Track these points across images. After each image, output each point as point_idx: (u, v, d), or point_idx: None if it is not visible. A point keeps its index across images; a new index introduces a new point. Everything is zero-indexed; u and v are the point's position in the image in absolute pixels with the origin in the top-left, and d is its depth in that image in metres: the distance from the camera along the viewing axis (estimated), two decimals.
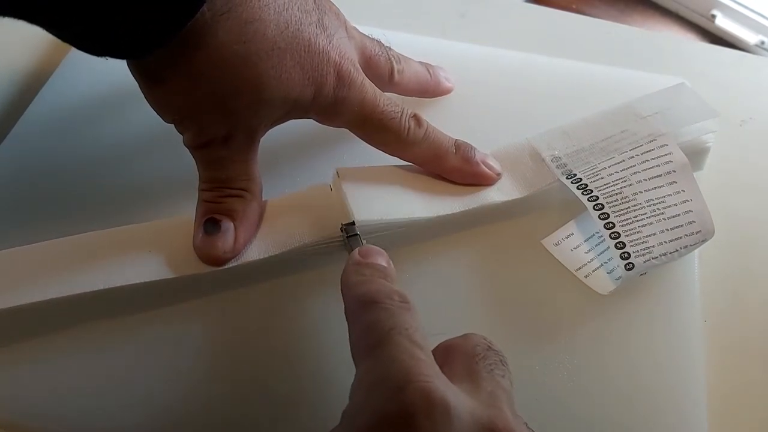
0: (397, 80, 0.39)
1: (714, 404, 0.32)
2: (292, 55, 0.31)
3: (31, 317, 0.32)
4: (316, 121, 0.35)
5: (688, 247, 0.34)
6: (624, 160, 0.36)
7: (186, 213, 0.33)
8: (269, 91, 0.31)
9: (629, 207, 0.35)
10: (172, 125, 0.32)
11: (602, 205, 0.35)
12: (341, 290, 0.28)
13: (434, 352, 0.26)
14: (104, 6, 0.26)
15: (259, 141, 0.33)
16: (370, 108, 0.33)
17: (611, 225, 0.34)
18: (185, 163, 0.33)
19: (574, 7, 0.64)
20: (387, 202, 0.34)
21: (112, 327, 0.33)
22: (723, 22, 0.61)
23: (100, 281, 0.31)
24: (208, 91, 0.30)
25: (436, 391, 0.22)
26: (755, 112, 0.45)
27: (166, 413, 0.30)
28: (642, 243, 0.34)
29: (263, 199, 0.34)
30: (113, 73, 0.34)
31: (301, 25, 0.31)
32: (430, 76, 0.41)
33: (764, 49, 0.59)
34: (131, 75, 0.31)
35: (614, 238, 0.34)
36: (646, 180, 0.35)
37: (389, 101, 0.34)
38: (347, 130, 0.35)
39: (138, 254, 0.32)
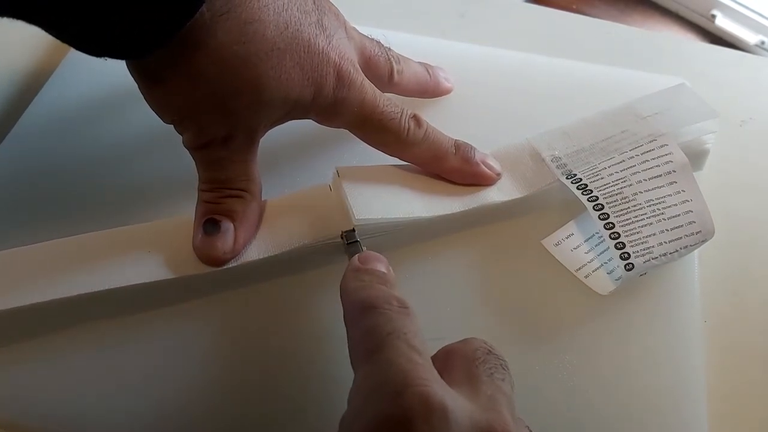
0: (397, 81, 0.39)
1: (714, 404, 0.32)
2: (291, 55, 0.31)
3: (31, 317, 0.32)
4: (316, 121, 0.35)
5: (688, 248, 0.34)
6: (624, 161, 0.36)
7: (186, 213, 0.33)
8: (269, 91, 0.31)
9: (629, 207, 0.35)
10: (172, 126, 0.32)
11: (602, 205, 0.35)
12: (340, 296, 0.28)
13: (434, 357, 0.26)
14: (102, 6, 0.26)
15: (258, 141, 0.33)
16: (369, 108, 0.33)
17: (611, 225, 0.34)
18: (185, 163, 0.33)
19: (574, 7, 0.64)
20: (387, 201, 0.34)
21: (112, 327, 0.33)
22: (723, 22, 0.61)
23: (100, 282, 0.31)
24: (208, 91, 0.30)
25: (434, 396, 0.22)
26: (755, 112, 0.45)
27: (167, 413, 0.30)
28: (642, 243, 0.34)
29: (263, 199, 0.34)
30: (113, 73, 0.34)
31: (300, 25, 0.31)
32: (430, 77, 0.41)
33: (764, 49, 0.59)
34: (131, 75, 0.31)
35: (614, 239, 0.34)
36: (646, 180, 0.35)
37: (389, 102, 0.34)
38: (347, 130, 0.35)
39: (138, 255, 0.32)
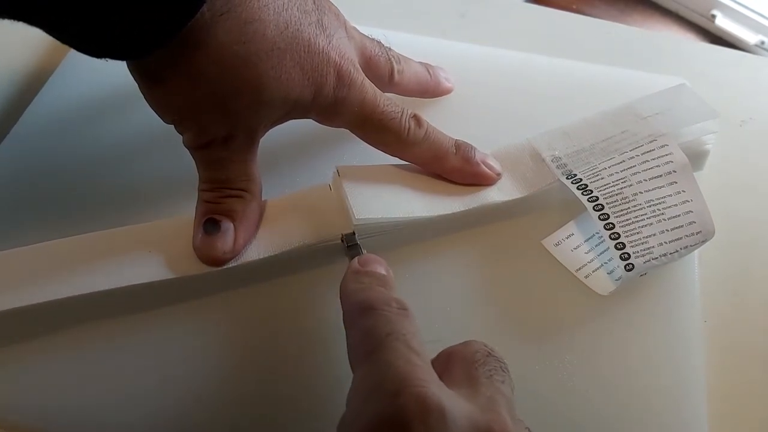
0: (397, 80, 0.39)
1: (714, 404, 0.32)
2: (291, 55, 0.31)
3: (31, 317, 0.32)
4: (316, 121, 0.35)
5: (689, 248, 0.34)
6: (624, 161, 0.36)
7: (186, 213, 0.33)
8: (269, 91, 0.31)
9: (629, 207, 0.35)
10: (172, 126, 0.32)
11: (602, 205, 0.35)
12: (340, 297, 0.28)
13: (434, 360, 0.26)
14: (102, 6, 0.26)
15: (259, 141, 0.33)
16: (370, 108, 0.33)
17: (611, 225, 0.34)
18: (185, 163, 0.33)
19: (574, 7, 0.64)
20: (387, 200, 0.34)
21: (112, 327, 0.33)
22: (723, 22, 0.61)
23: (100, 282, 0.31)
24: (208, 91, 0.30)
25: (432, 396, 0.22)
26: (755, 112, 0.45)
27: (167, 413, 0.30)
28: (642, 243, 0.34)
29: (263, 199, 0.34)
30: (113, 73, 0.34)
31: (300, 25, 0.31)
32: (430, 77, 0.41)
33: (764, 49, 0.59)
34: (131, 75, 0.31)
35: (614, 239, 0.34)
36: (646, 180, 0.35)
37: (389, 101, 0.34)
38: (347, 130, 0.35)
39: (138, 255, 0.32)
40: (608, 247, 0.34)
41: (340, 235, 0.34)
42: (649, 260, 0.33)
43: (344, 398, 0.24)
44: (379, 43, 0.38)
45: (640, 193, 0.35)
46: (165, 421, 0.30)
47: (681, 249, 0.34)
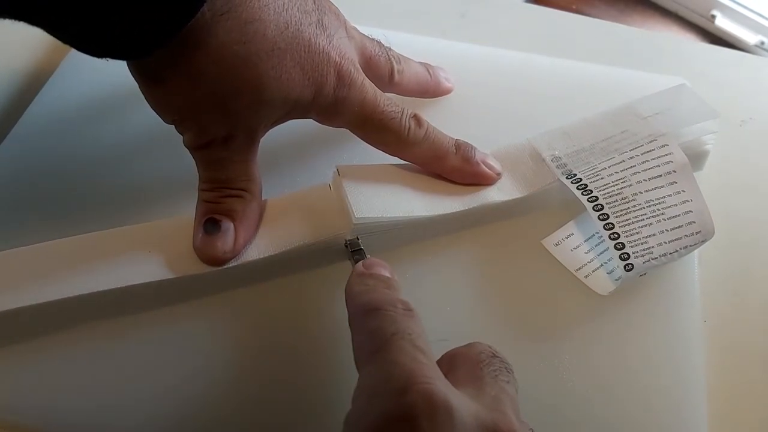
0: (397, 80, 0.39)
1: (714, 404, 0.32)
2: (292, 55, 0.31)
3: (31, 317, 0.31)
4: (317, 121, 0.35)
5: (688, 248, 0.34)
6: (624, 161, 0.36)
7: (186, 213, 0.33)
8: (269, 91, 0.31)
9: (629, 207, 0.35)
10: (172, 126, 0.32)
11: (602, 205, 0.35)
12: (345, 300, 0.28)
13: (439, 361, 0.26)
14: (102, 6, 0.26)
15: (259, 141, 0.33)
16: (370, 108, 0.33)
17: (611, 225, 0.34)
18: (185, 163, 0.33)
19: (574, 7, 0.64)
20: (387, 200, 0.34)
21: (112, 327, 0.33)
22: (723, 23, 0.61)
23: (101, 282, 0.31)
24: (208, 91, 0.30)
25: (439, 393, 0.22)
26: (755, 112, 0.45)
27: (167, 413, 0.30)
28: (642, 243, 0.34)
29: (263, 199, 0.34)
30: (113, 73, 0.34)
31: (300, 25, 0.31)
32: (430, 77, 0.41)
33: (764, 49, 0.59)
34: (131, 75, 0.31)
35: (614, 239, 0.34)
36: (646, 180, 0.35)
37: (389, 101, 0.34)
38: (347, 130, 0.35)
39: (138, 255, 0.32)
40: (608, 247, 0.34)
41: (344, 240, 0.34)
42: (649, 260, 0.33)
43: (348, 398, 0.24)
44: (379, 43, 0.38)
45: (640, 193, 0.35)
46: (165, 420, 0.30)
47: (681, 249, 0.34)
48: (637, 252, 0.33)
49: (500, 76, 0.44)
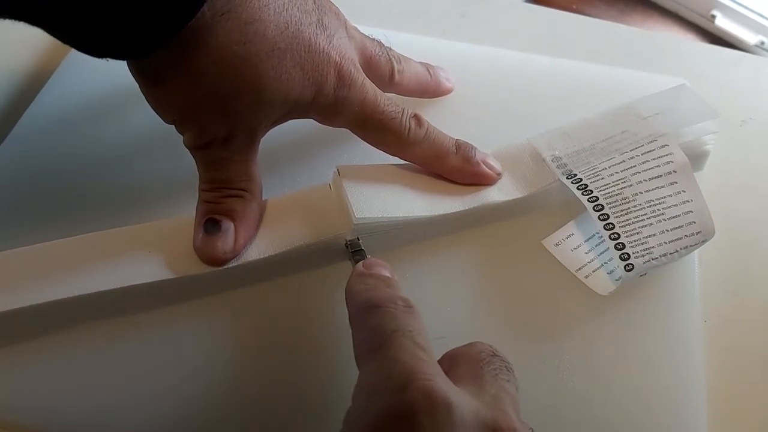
0: (398, 80, 0.39)
1: (714, 404, 0.32)
2: (292, 55, 0.31)
3: (31, 318, 0.31)
4: (317, 121, 0.35)
5: (689, 248, 0.34)
6: (624, 161, 0.36)
7: (186, 213, 0.33)
8: (269, 91, 0.31)
9: (629, 207, 0.35)
10: (172, 126, 0.32)
11: (602, 205, 0.35)
12: (345, 299, 0.28)
13: (439, 360, 0.26)
14: (102, 6, 0.26)
15: (259, 141, 0.33)
16: (370, 108, 0.33)
17: (611, 226, 0.34)
18: (185, 163, 0.33)
19: (574, 7, 0.64)
20: (387, 200, 0.34)
21: (112, 327, 0.33)
22: (723, 23, 0.61)
23: (101, 282, 0.31)
24: (209, 91, 0.30)
25: (439, 390, 0.22)
26: (755, 112, 0.45)
27: (167, 413, 0.30)
28: (642, 244, 0.34)
29: (263, 199, 0.34)
30: (113, 73, 0.34)
31: (301, 25, 0.31)
32: (431, 77, 0.41)
33: (764, 49, 0.59)
34: (131, 75, 0.31)
35: (614, 239, 0.34)
36: (646, 180, 0.35)
37: (390, 101, 0.34)
38: (347, 130, 0.35)
39: (138, 255, 0.32)
40: (608, 247, 0.34)
41: (345, 240, 0.34)
42: (649, 260, 0.33)
43: (348, 398, 0.24)
44: (379, 43, 0.38)
45: (640, 193, 0.35)
46: (165, 420, 0.30)
47: (681, 249, 0.34)
48: (638, 252, 0.33)
49: (500, 76, 0.44)
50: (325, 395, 0.31)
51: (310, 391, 0.31)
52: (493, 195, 0.36)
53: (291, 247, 0.33)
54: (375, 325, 0.25)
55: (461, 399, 0.22)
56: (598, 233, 0.36)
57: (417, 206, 0.35)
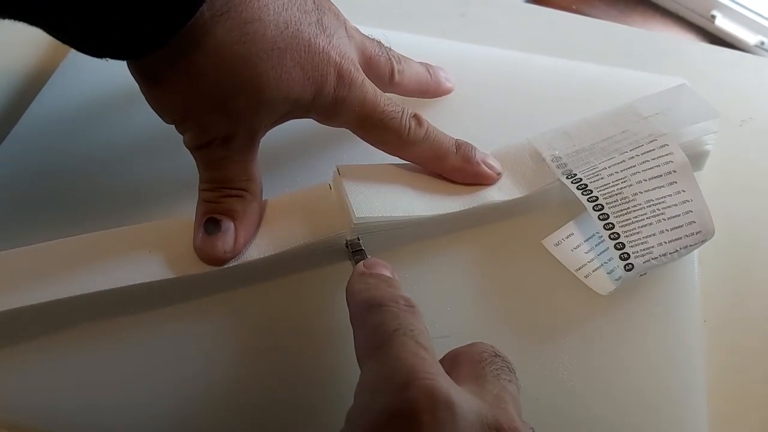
0: (398, 80, 0.39)
1: (714, 404, 0.32)
2: (292, 55, 0.31)
3: (31, 318, 0.31)
4: (317, 121, 0.35)
5: (688, 248, 0.34)
6: (624, 161, 0.36)
7: (186, 213, 0.33)
8: (269, 91, 0.31)
9: (629, 207, 0.35)
10: (172, 126, 0.32)
11: (602, 205, 0.35)
12: (346, 298, 0.28)
13: (441, 360, 0.26)
14: (102, 6, 0.26)
15: (259, 141, 0.33)
16: (370, 108, 0.33)
17: (611, 225, 0.34)
18: (185, 163, 0.33)
19: (574, 7, 0.64)
20: (387, 200, 0.34)
21: (112, 327, 0.33)
22: (723, 23, 0.61)
23: (101, 282, 0.31)
24: (208, 91, 0.30)
25: (441, 389, 0.22)
26: (755, 112, 0.45)
27: (167, 413, 0.30)
28: (642, 243, 0.34)
29: (263, 199, 0.34)
30: (113, 73, 0.34)
31: (300, 25, 0.31)
32: (431, 77, 0.41)
33: (764, 49, 0.59)
34: (131, 76, 0.31)
35: (614, 239, 0.34)
36: (646, 180, 0.35)
37: (390, 101, 0.34)
38: (347, 130, 0.35)
39: (138, 255, 0.32)
40: (608, 247, 0.34)
41: (345, 240, 0.34)
42: (649, 260, 0.33)
43: (349, 398, 0.24)
44: (379, 43, 0.38)
45: (640, 193, 0.35)
46: (165, 420, 0.30)
47: (681, 249, 0.34)
48: (637, 252, 0.33)
49: (500, 76, 0.44)
50: (325, 395, 0.31)
51: (310, 391, 0.31)
52: (493, 195, 0.36)
53: (291, 247, 0.33)
54: (376, 324, 0.25)
55: (463, 398, 0.22)
56: (597, 233, 0.36)
57: (417, 206, 0.35)
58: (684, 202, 0.35)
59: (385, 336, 0.24)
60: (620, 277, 0.34)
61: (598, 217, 0.35)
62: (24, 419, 0.30)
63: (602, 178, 0.36)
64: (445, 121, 0.37)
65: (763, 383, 0.34)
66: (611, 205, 0.35)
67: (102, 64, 0.29)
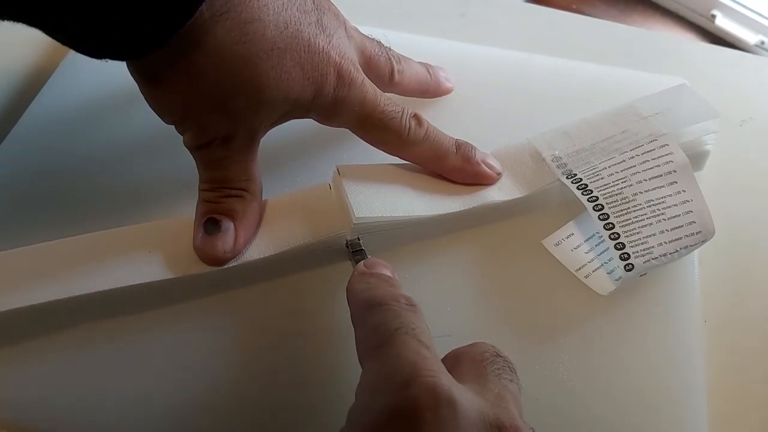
0: (398, 80, 0.39)
1: (714, 404, 0.32)
2: (291, 55, 0.31)
3: (31, 318, 0.31)
4: (317, 121, 0.35)
5: (689, 248, 0.34)
6: (624, 161, 0.36)
7: (186, 213, 0.33)
8: (269, 91, 0.31)
9: (629, 207, 0.35)
10: (172, 126, 0.32)
11: (602, 205, 0.35)
12: (347, 298, 0.28)
13: (443, 360, 0.26)
14: (102, 7, 0.26)
15: (259, 141, 0.33)
16: (370, 107, 0.33)
17: (611, 225, 0.34)
18: (185, 163, 0.33)
19: (574, 7, 0.64)
20: (387, 200, 0.34)
21: (111, 327, 0.33)
22: (723, 22, 0.61)
23: (101, 282, 0.31)
24: (208, 91, 0.30)
25: (442, 387, 0.22)
26: (755, 112, 0.45)
27: (167, 413, 0.30)
28: (642, 243, 0.34)
29: (263, 199, 0.34)
30: (113, 73, 0.34)
31: (300, 25, 0.31)
32: (431, 77, 0.41)
33: (764, 49, 0.59)
34: (131, 76, 0.31)
35: (614, 239, 0.34)
36: (646, 180, 0.35)
37: (389, 101, 0.34)
38: (347, 130, 0.35)
39: (138, 255, 0.32)
40: (608, 247, 0.34)
41: (345, 240, 0.34)
42: (649, 260, 0.33)
43: (349, 398, 0.24)
44: (379, 43, 0.38)
45: (640, 193, 0.35)
46: (166, 420, 0.30)
47: (681, 249, 0.34)
48: (638, 252, 0.33)
49: (500, 76, 0.44)
50: (326, 395, 0.31)
51: (310, 391, 0.31)
52: (493, 195, 0.36)
53: (291, 247, 0.33)
54: (378, 323, 0.25)
55: (464, 396, 0.22)
56: (598, 233, 0.36)
57: (417, 206, 0.35)
58: (684, 202, 0.35)
59: (387, 335, 0.24)
60: (620, 277, 0.34)
61: (599, 217, 0.35)
62: (24, 419, 0.30)
63: (602, 178, 0.36)
64: (445, 121, 0.37)
65: (763, 383, 0.34)
66: (611, 205, 0.35)
67: (101, 64, 0.29)
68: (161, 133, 0.34)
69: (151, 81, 0.31)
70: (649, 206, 0.35)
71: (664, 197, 0.35)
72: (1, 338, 0.32)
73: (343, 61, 0.32)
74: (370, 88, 0.34)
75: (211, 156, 0.32)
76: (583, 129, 0.39)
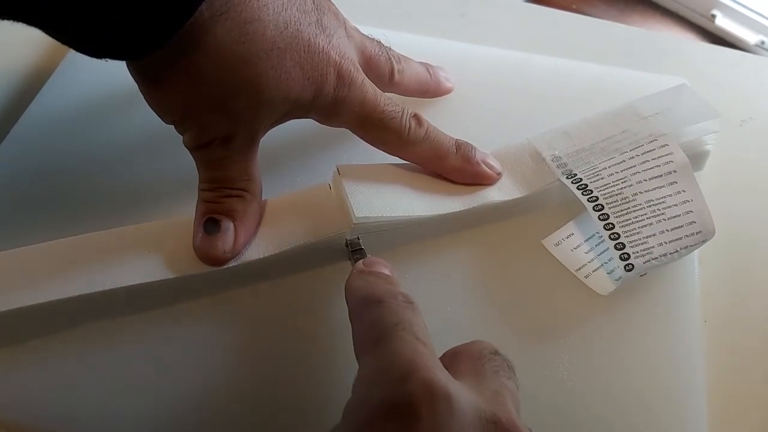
0: (398, 80, 0.39)
1: (714, 404, 0.32)
2: (291, 55, 0.31)
3: (31, 318, 0.31)
4: (317, 121, 0.35)
5: (689, 248, 0.34)
6: (624, 161, 0.36)
7: (186, 213, 0.33)
8: (269, 91, 0.31)
9: (629, 207, 0.35)
10: (172, 126, 0.32)
11: (602, 205, 0.35)
12: (345, 295, 0.28)
13: (440, 358, 0.26)
14: (100, 7, 0.26)
15: (259, 141, 0.33)
16: (370, 107, 0.33)
17: (611, 225, 0.34)
18: (185, 163, 0.33)
19: (574, 7, 0.64)
20: (387, 199, 0.34)
21: (111, 327, 0.33)
22: (723, 22, 0.61)
23: (101, 282, 0.31)
24: (208, 91, 0.30)
25: (439, 382, 0.22)
26: (755, 112, 0.45)
27: (167, 413, 0.30)
28: (642, 244, 0.34)
29: (263, 199, 0.34)
30: (113, 73, 0.34)
31: (300, 25, 0.31)
32: (431, 77, 0.41)
33: (764, 49, 0.59)
34: (131, 76, 0.31)
35: (614, 239, 0.34)
36: (646, 180, 0.35)
37: (389, 101, 0.34)
38: (347, 130, 0.35)
39: (138, 255, 0.32)
40: (608, 247, 0.34)
41: (345, 240, 0.34)
42: (649, 260, 0.33)
43: (347, 395, 0.24)
44: (379, 42, 0.38)
45: (640, 193, 0.35)
46: (166, 421, 0.30)
47: (681, 249, 0.34)
48: (638, 252, 0.33)
49: (500, 76, 0.44)
50: (325, 395, 0.31)
51: (310, 390, 0.31)
52: (493, 195, 0.36)
53: (291, 247, 0.33)
54: (375, 319, 0.25)
55: (461, 392, 0.22)
56: (598, 233, 0.36)
57: (417, 206, 0.35)
58: (684, 202, 0.35)
59: (384, 331, 0.24)
60: (620, 278, 0.34)
61: (599, 217, 0.35)
62: (24, 419, 0.30)
63: (602, 178, 0.36)
64: (445, 121, 0.37)
65: (763, 383, 0.34)
66: (611, 205, 0.35)
67: (101, 64, 0.29)
68: (161, 133, 0.34)
69: (151, 81, 0.31)
70: (649, 206, 0.35)
71: (664, 197, 0.35)
72: (1, 338, 0.32)
73: (343, 61, 0.32)
74: (370, 88, 0.34)
75: (211, 156, 0.32)
76: (583, 129, 0.39)
